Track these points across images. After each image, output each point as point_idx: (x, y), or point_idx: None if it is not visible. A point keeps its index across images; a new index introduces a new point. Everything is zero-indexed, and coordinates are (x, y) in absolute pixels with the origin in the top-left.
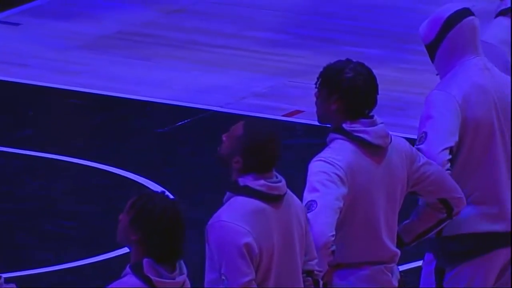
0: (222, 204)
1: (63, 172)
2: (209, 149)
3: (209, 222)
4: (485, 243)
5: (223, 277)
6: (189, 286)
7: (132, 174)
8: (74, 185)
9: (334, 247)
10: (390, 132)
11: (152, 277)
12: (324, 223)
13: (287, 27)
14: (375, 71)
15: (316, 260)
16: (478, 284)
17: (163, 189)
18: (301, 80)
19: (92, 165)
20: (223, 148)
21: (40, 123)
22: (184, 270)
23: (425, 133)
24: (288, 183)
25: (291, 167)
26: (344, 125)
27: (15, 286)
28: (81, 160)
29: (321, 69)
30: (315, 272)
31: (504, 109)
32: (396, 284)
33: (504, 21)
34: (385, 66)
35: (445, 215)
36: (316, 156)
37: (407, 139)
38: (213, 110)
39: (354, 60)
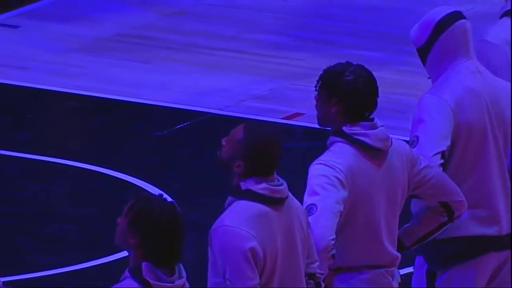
0: (223, 209)
1: (62, 175)
2: (209, 152)
3: (213, 227)
4: (477, 246)
5: (227, 282)
6: None
7: (131, 177)
8: (73, 188)
9: (334, 251)
10: (391, 135)
11: (151, 281)
12: (324, 227)
13: (287, 30)
14: (375, 74)
15: (317, 263)
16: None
17: (162, 192)
18: (301, 82)
19: (91, 168)
20: (223, 153)
21: (39, 126)
22: (183, 273)
23: (417, 137)
24: (288, 186)
25: (291, 170)
26: (344, 128)
27: None
28: (80, 163)
29: (321, 72)
30: (317, 274)
31: (496, 113)
32: None
33: (508, 21)
34: (385, 69)
35: (446, 218)
36: (316, 159)
37: (408, 142)
38: (213, 113)
39: (354, 63)
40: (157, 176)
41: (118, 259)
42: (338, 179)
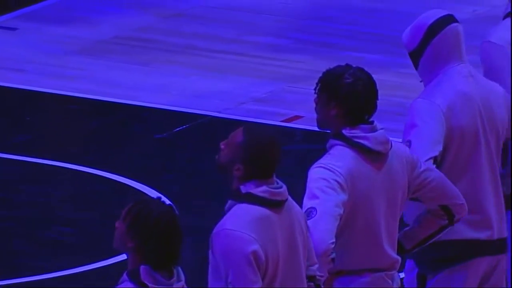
0: (223, 212)
1: (60, 178)
2: (208, 155)
3: (214, 231)
4: (468, 250)
5: (230, 286)
6: None
7: (130, 180)
8: (71, 191)
9: (334, 254)
10: (391, 138)
11: (149, 284)
12: (324, 230)
13: (286, 32)
14: (375, 76)
15: (317, 265)
16: None
17: (160, 195)
18: (300, 85)
19: (90, 171)
20: (222, 156)
21: (37, 128)
22: (182, 276)
23: (409, 141)
24: (288, 189)
25: (290, 173)
26: (344, 131)
27: None
28: (79, 166)
29: (320, 74)
30: (317, 277)
31: (489, 117)
32: None
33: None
34: (385, 71)
35: (447, 221)
36: (316, 163)
37: None
38: (212, 116)
39: (354, 65)
40: (156, 179)
41: (117, 262)
42: (338, 182)
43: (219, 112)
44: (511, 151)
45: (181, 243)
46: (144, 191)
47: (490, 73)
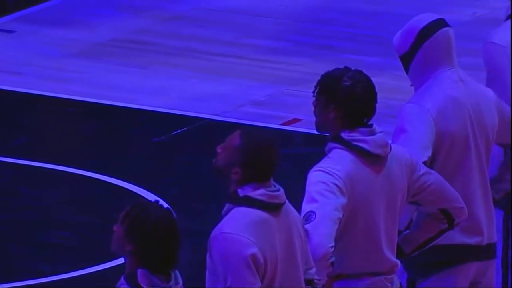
0: (221, 216)
1: (58, 182)
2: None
3: (212, 235)
4: (458, 255)
5: None
6: None
7: (128, 183)
8: (69, 195)
9: (333, 258)
10: (390, 141)
11: (146, 287)
12: (323, 234)
13: (285, 35)
14: (374, 79)
15: (314, 269)
16: None
17: (158, 199)
18: (299, 88)
19: (87, 175)
20: (219, 160)
21: (35, 132)
22: (180, 280)
23: None
24: (286, 193)
25: (289, 176)
26: (342, 134)
27: None
28: (76, 170)
29: (319, 77)
30: (315, 281)
31: (479, 122)
32: None
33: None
34: (384, 74)
35: (446, 225)
36: (315, 166)
37: None
38: (210, 119)
39: (353, 68)
40: (154, 182)
41: (114, 266)
42: (337, 186)
43: (218, 115)
44: (511, 156)
45: (179, 247)
46: (142, 194)
47: (493, 73)
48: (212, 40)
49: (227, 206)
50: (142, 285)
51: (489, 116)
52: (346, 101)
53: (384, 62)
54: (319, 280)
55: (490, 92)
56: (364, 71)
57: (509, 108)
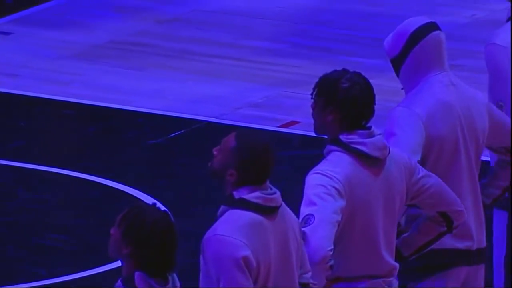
0: (216, 218)
1: (54, 184)
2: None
3: (205, 236)
4: (448, 259)
5: None
6: None
7: (125, 186)
8: (65, 197)
9: (332, 261)
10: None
11: None
12: (322, 237)
13: (283, 37)
14: (372, 81)
15: (310, 273)
16: None
17: (156, 201)
18: (297, 90)
19: (84, 177)
20: (215, 162)
21: (32, 134)
22: (177, 283)
23: None
24: (284, 195)
25: (287, 179)
26: (341, 137)
27: None
28: (73, 172)
29: (317, 79)
30: (311, 285)
31: (469, 126)
32: None
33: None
34: (382, 76)
35: (445, 228)
36: (313, 169)
37: None
38: (208, 121)
39: (351, 70)
40: (151, 185)
41: (111, 269)
42: (336, 188)
43: (215, 117)
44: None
45: (177, 250)
46: (140, 197)
47: (496, 74)
48: (209, 42)
49: (222, 208)
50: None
51: (480, 120)
52: (344, 103)
53: (382, 64)
54: (314, 284)
55: (481, 96)
56: (363, 73)
57: (499, 112)
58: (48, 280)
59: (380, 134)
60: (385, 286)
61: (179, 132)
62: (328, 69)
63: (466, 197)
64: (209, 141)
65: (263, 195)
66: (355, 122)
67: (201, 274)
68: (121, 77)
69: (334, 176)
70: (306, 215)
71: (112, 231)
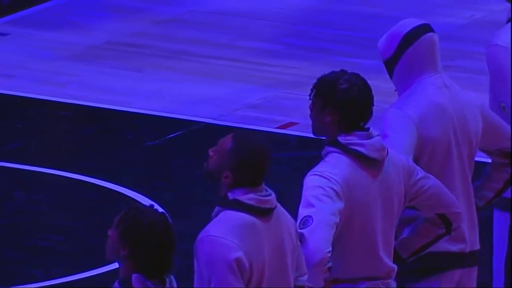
0: (210, 219)
1: (51, 186)
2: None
3: (198, 237)
4: (441, 262)
5: None
6: None
7: (122, 188)
8: (62, 199)
9: (330, 263)
10: None
11: None
12: (320, 239)
13: (281, 38)
14: (370, 82)
15: (306, 276)
16: None
17: (153, 203)
18: (295, 91)
19: (81, 179)
20: (211, 164)
21: (29, 135)
22: (174, 284)
23: None
24: (282, 197)
25: (285, 180)
26: (339, 138)
27: None
28: (70, 174)
29: (315, 80)
30: (307, 287)
31: (462, 129)
32: None
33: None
34: (380, 77)
35: (444, 230)
36: (312, 170)
37: None
38: (206, 122)
39: (349, 71)
40: (149, 186)
41: (108, 271)
42: (334, 190)
43: (213, 118)
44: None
45: (174, 251)
46: (137, 198)
47: (498, 75)
48: (207, 43)
49: (216, 209)
50: None
51: (473, 122)
52: (343, 104)
53: (380, 65)
54: (310, 287)
55: (474, 98)
56: (361, 74)
57: (493, 114)
58: (44, 282)
59: (378, 135)
60: None
61: (177, 133)
62: (326, 70)
63: (458, 199)
64: (207, 143)
65: (258, 197)
66: (354, 123)
67: (195, 275)
68: (118, 78)
69: (332, 178)
70: (304, 216)
71: (109, 232)
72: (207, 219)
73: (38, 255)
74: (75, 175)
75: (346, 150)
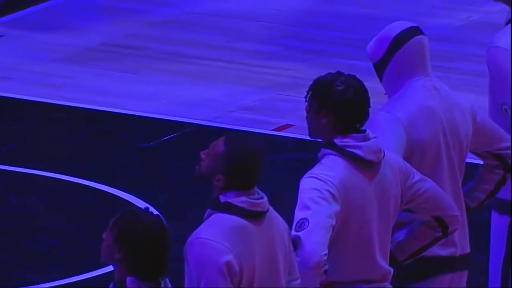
0: (202, 221)
1: (46, 188)
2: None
3: (188, 240)
4: (432, 266)
5: None
6: None
7: (117, 190)
8: (57, 201)
9: (326, 266)
10: None
11: None
12: (316, 242)
13: (277, 39)
14: (367, 84)
15: (299, 280)
16: None
17: (148, 206)
18: (291, 93)
19: (76, 181)
20: (203, 166)
21: (23, 137)
22: (170, 286)
23: None
24: (278, 199)
25: (281, 183)
26: (335, 140)
27: None
28: (65, 176)
29: (311, 82)
30: None
31: (452, 132)
32: None
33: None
34: (377, 79)
35: (440, 233)
36: (308, 173)
37: None
38: (201, 124)
39: (346, 73)
40: (144, 189)
41: (103, 274)
42: (330, 192)
43: (209, 120)
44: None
45: (169, 254)
46: (132, 201)
47: (499, 77)
48: (203, 44)
49: (208, 211)
50: None
51: (463, 124)
52: (339, 106)
53: None
54: None
55: (464, 100)
56: (357, 76)
57: (484, 116)
58: (39, 285)
59: (375, 137)
60: None
61: (172, 135)
62: (322, 72)
63: None
64: (202, 145)
65: (249, 200)
66: (350, 125)
67: (186, 277)
68: (113, 80)
69: (328, 180)
70: (301, 219)
71: (104, 235)
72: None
73: (32, 258)
74: (70, 177)
75: (342, 152)
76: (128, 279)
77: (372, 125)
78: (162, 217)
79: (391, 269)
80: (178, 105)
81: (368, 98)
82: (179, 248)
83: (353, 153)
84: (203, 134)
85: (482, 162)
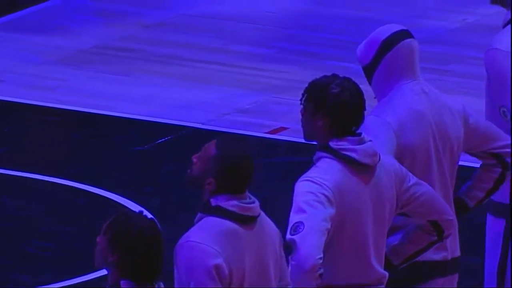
0: (193, 225)
1: (39, 191)
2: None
3: (178, 242)
4: (423, 272)
5: None
6: None
7: (111, 193)
8: (51, 204)
9: (322, 270)
10: None
11: None
12: (311, 245)
13: (271, 42)
14: (362, 87)
15: (290, 286)
16: None
17: (142, 209)
18: (286, 96)
19: (69, 184)
20: (194, 170)
21: (16, 140)
22: None
23: None
24: (273, 202)
25: (276, 186)
26: (331, 143)
27: None
28: (58, 179)
29: (306, 85)
30: None
31: (442, 135)
32: None
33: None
34: None
35: (436, 237)
36: (303, 176)
37: None
38: (195, 127)
39: (341, 75)
40: (137, 192)
41: (97, 277)
42: (325, 196)
43: (203, 123)
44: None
45: (163, 258)
46: (126, 204)
47: (498, 79)
48: (196, 47)
49: (198, 215)
50: None
51: (453, 127)
52: (334, 109)
53: None
54: None
55: (454, 102)
56: (352, 79)
57: (476, 117)
58: None
59: (370, 140)
60: None
61: (166, 138)
62: (317, 74)
63: None
64: (196, 148)
65: (240, 204)
66: (345, 128)
67: (175, 280)
68: (107, 82)
69: (323, 183)
70: (296, 222)
71: (98, 239)
72: None
73: (26, 261)
74: (63, 180)
75: (337, 155)
76: (122, 282)
77: (363, 130)
78: (156, 221)
79: (386, 273)
80: (172, 107)
81: (363, 101)
82: (172, 252)
83: (348, 156)
84: (198, 137)
85: (477, 166)
